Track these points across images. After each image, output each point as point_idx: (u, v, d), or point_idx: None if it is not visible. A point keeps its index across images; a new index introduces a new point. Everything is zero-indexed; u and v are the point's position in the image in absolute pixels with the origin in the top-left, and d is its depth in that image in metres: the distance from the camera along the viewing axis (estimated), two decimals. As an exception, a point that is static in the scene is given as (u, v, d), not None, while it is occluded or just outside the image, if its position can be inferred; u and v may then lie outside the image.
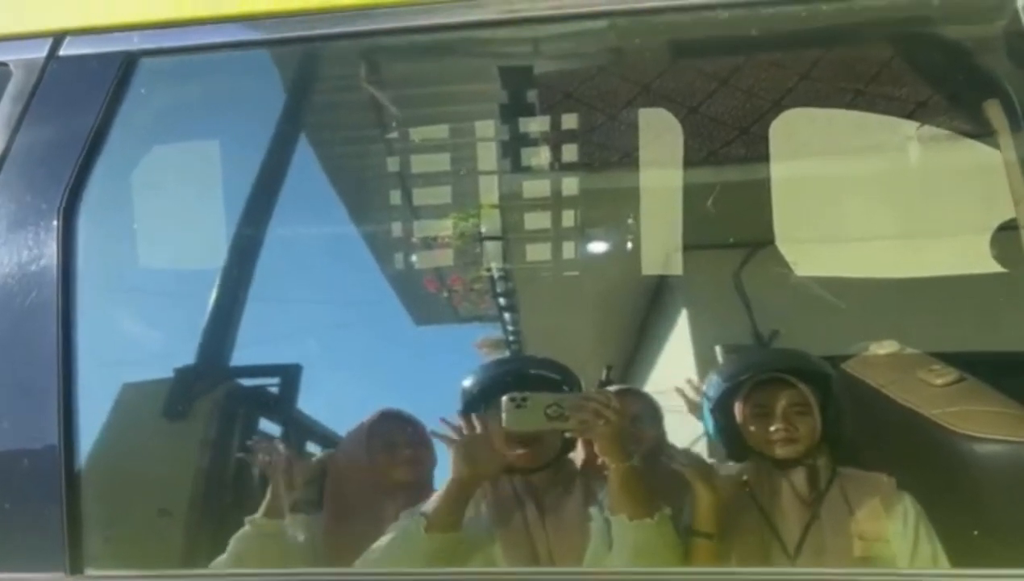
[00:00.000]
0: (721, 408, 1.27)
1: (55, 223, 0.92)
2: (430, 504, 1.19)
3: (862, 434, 1.22)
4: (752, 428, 1.24)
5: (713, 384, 1.31)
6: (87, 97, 0.96)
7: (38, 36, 0.99)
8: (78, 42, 0.99)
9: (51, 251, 0.92)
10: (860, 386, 1.24)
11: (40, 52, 0.98)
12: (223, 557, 1.13)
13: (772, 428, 1.23)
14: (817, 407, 1.23)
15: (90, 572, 0.86)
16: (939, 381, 1.20)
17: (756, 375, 1.27)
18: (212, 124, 1.22)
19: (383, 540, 1.18)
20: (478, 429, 1.22)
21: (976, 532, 0.98)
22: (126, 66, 0.97)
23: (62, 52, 0.99)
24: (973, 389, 1.19)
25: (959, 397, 1.18)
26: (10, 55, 0.99)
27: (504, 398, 1.18)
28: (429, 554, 1.16)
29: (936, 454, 1.17)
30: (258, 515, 1.21)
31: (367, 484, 1.31)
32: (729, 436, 1.26)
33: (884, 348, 1.30)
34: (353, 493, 1.31)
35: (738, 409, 1.25)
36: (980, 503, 1.03)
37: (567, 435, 1.26)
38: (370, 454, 1.32)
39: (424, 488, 1.27)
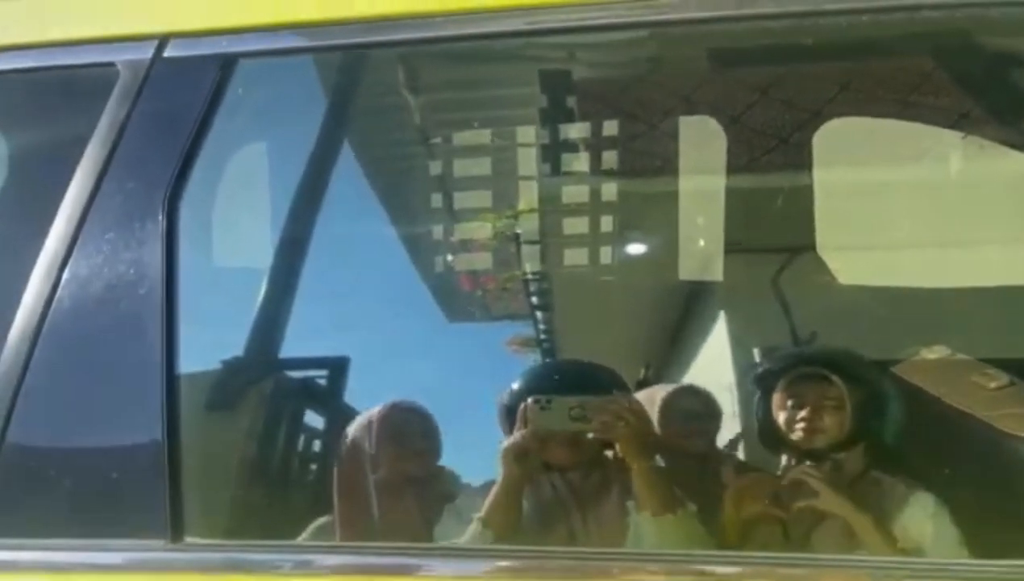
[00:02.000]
0: (761, 400, 1.30)
1: (160, 217, 0.97)
2: (489, 511, 1.21)
3: (913, 436, 1.24)
4: (782, 417, 1.27)
5: (754, 376, 1.35)
6: (189, 97, 1.00)
7: (144, 38, 1.03)
8: (182, 44, 1.03)
9: (156, 243, 0.97)
10: (911, 390, 1.26)
11: (146, 53, 1.03)
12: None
13: (799, 416, 1.26)
14: (853, 405, 1.24)
15: (190, 539, 0.91)
16: (992, 385, 1.22)
17: (795, 368, 1.30)
18: (296, 126, 1.27)
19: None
20: (527, 428, 1.24)
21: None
22: (224, 68, 1.02)
23: (167, 54, 1.03)
24: (1026, 393, 1.21)
25: (1013, 401, 1.20)
26: (118, 56, 1.04)
27: (529, 400, 1.23)
28: None
29: (991, 457, 1.19)
30: None
31: (375, 475, 1.33)
32: (762, 426, 1.29)
33: (934, 353, 1.32)
34: (361, 484, 1.32)
35: (775, 400, 1.28)
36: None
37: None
38: (378, 446, 1.34)
39: (431, 482, 1.31)
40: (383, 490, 1.32)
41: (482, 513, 1.21)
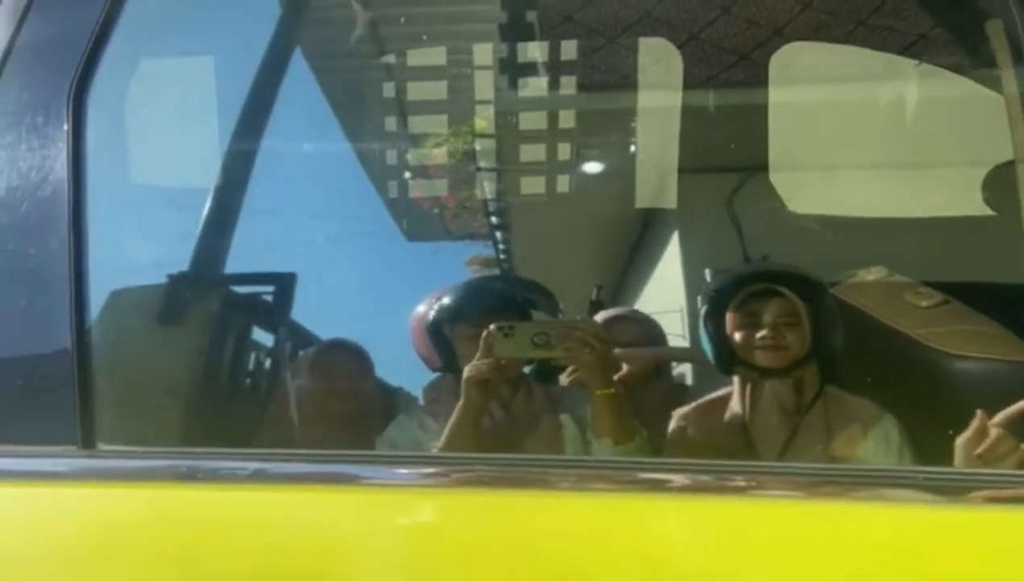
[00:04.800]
0: (712, 318, 1.27)
1: (65, 113, 0.92)
2: (448, 440, 1.19)
3: (850, 355, 1.23)
4: (739, 337, 1.25)
5: (705, 295, 1.32)
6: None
7: (45, -80, 0.97)
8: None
9: (61, 145, 0.91)
10: (848, 309, 1.26)
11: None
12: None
13: (758, 336, 1.23)
14: (808, 321, 1.22)
15: (102, 446, 0.89)
16: (925, 303, 1.22)
17: (748, 285, 1.27)
18: (216, 31, 1.21)
19: None
20: (481, 355, 1.21)
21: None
22: (137, -45, 0.95)
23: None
24: (957, 310, 1.22)
25: (944, 318, 1.20)
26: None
27: (492, 327, 1.20)
28: None
29: (922, 372, 1.20)
30: None
31: (304, 409, 1.34)
32: (718, 346, 1.27)
33: (872, 274, 1.32)
34: (291, 416, 1.33)
35: (728, 319, 1.26)
36: (961, 417, 1.06)
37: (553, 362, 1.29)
38: (311, 381, 1.36)
39: (358, 422, 1.31)
40: (311, 423, 1.32)
41: (440, 442, 1.20)
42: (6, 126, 0.92)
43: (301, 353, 1.40)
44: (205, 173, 1.30)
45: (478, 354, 1.21)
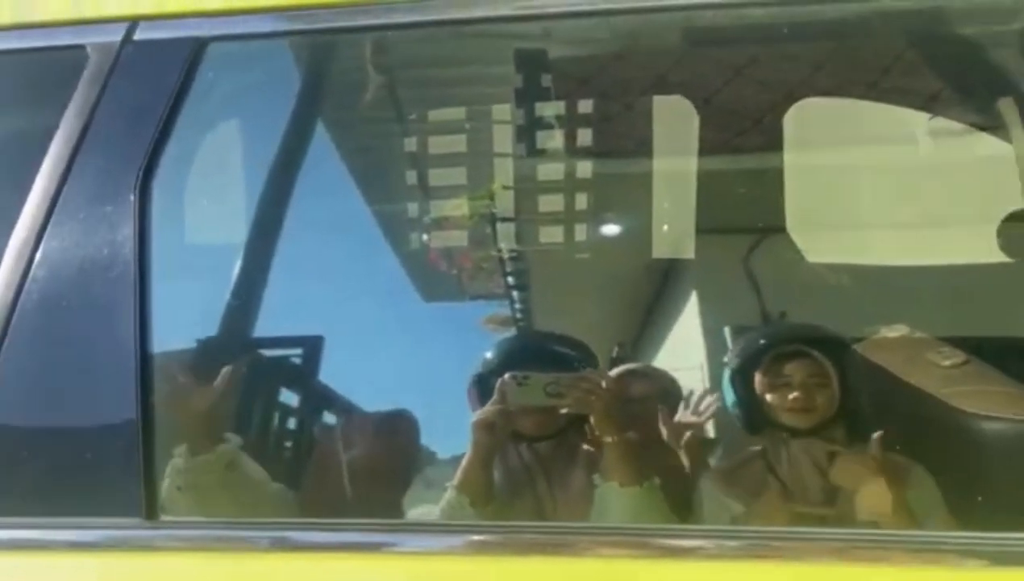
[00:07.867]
0: (741, 378, 1.31)
1: (131, 199, 0.98)
2: (461, 479, 1.26)
3: (873, 413, 1.27)
4: (769, 398, 1.29)
5: (734, 354, 1.35)
6: (159, 80, 1.01)
7: (114, 21, 1.04)
8: (151, 27, 1.04)
9: (128, 225, 0.98)
10: (871, 367, 1.29)
11: (116, 36, 1.04)
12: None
13: (790, 397, 1.27)
14: (836, 380, 1.26)
15: (165, 518, 0.94)
16: (946, 363, 1.25)
17: (777, 346, 1.31)
18: (268, 108, 1.28)
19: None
20: (494, 401, 1.28)
21: (981, 502, 1.04)
22: (196, 51, 1.02)
23: (136, 36, 1.04)
24: (978, 371, 1.24)
25: (965, 378, 1.23)
26: (88, 38, 1.04)
27: (506, 376, 1.28)
28: None
29: (944, 432, 1.22)
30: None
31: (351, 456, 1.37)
32: (747, 407, 1.31)
33: (894, 331, 1.35)
34: (337, 463, 1.37)
35: (757, 379, 1.30)
36: (985, 477, 1.08)
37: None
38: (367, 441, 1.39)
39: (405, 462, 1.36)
40: (358, 469, 1.35)
41: (455, 481, 1.26)
42: (77, 211, 0.97)
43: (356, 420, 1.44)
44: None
45: (492, 400, 1.28)
